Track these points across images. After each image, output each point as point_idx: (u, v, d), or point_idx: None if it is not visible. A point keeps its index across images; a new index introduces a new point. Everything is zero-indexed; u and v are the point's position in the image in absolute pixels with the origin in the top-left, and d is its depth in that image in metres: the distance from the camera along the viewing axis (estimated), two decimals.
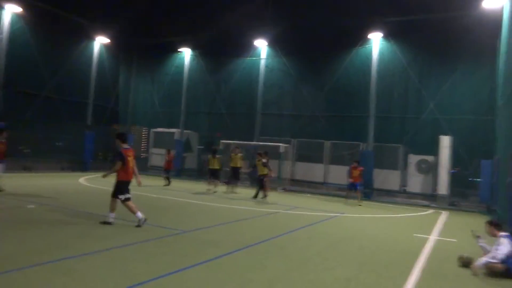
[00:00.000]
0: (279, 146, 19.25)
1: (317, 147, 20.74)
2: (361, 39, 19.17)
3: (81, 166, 22.22)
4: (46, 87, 20.79)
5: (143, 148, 25.84)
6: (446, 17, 17.01)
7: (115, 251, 6.37)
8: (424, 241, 8.91)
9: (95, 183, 16.50)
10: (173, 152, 19.08)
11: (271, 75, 21.93)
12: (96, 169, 22.75)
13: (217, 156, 16.73)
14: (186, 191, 15.90)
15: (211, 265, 6.00)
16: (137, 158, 26.22)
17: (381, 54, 18.93)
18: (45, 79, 20.61)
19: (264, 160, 14.68)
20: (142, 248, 6.65)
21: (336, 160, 20.12)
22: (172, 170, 18.69)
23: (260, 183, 14.65)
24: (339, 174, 19.38)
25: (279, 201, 14.86)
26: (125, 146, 8.60)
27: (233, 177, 16.79)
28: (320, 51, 20.34)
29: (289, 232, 9.04)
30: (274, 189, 18.87)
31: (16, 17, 19.06)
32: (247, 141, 20.81)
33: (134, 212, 8.27)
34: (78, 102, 22.83)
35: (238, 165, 16.71)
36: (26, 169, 19.73)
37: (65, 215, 9.21)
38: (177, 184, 18.85)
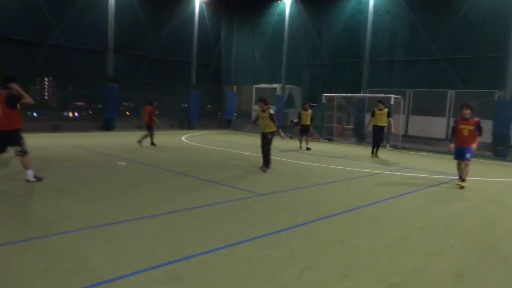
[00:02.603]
0: (389, 97, 16.77)
1: (438, 98, 17.61)
2: None
3: (188, 124, 22.99)
4: (152, 48, 21.47)
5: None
6: None
7: (172, 216, 5.71)
8: None
9: (195, 141, 16.65)
10: (154, 104, 14.35)
11: (381, 15, 18.94)
12: (201, 127, 23.39)
13: (309, 110, 15.13)
14: (279, 149, 14.94)
15: (275, 238, 4.89)
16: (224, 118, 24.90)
17: None
18: (150, 41, 21.26)
19: (271, 111, 9.76)
20: (202, 214, 5.87)
21: None
22: (153, 126, 14.07)
23: (266, 144, 9.82)
24: None
25: (386, 160, 12.92)
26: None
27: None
28: None
29: (389, 198, 7.38)
30: (382, 146, 16.74)
31: None
32: (353, 93, 18.72)
33: None
34: (183, 62, 23.26)
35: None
36: (139, 127, 21.07)
37: (151, 172, 9.05)
38: (279, 142, 18.01)
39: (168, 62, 22.22)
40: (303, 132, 15.13)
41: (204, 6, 23.70)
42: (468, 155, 8.42)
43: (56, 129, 17.97)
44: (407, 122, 18.40)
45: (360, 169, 10.82)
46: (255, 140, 18.25)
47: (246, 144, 16.11)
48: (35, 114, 19.24)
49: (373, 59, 19.32)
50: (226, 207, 6.33)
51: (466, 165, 8.58)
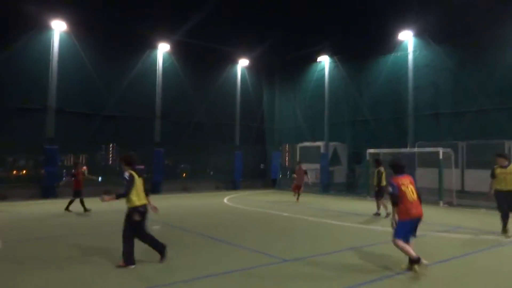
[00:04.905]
0: (438, 151, 15.82)
1: (494, 150, 16.26)
2: None
3: (233, 184, 23.13)
4: (197, 113, 22.44)
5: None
6: None
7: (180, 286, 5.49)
8: None
9: (237, 202, 16.54)
10: (80, 166, 12.73)
11: (422, 69, 18.52)
12: (246, 187, 23.38)
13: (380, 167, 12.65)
14: (328, 210, 14.34)
15: None
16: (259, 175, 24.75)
17: None
18: (195, 106, 22.31)
19: (126, 175, 6.62)
20: (218, 282, 5.59)
21: None
22: (81, 191, 12.34)
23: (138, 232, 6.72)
24: None
25: (436, 219, 11.82)
26: None
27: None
28: (486, 27, 15.92)
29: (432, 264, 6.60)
30: (435, 203, 15.49)
31: (167, 55, 21.36)
32: (398, 148, 17.94)
33: None
34: (226, 124, 23.98)
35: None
36: (185, 189, 21.51)
37: (177, 237, 8.98)
38: (321, 201, 17.41)
39: (212, 125, 22.99)
40: (379, 194, 12.48)
41: (245, 70, 24.78)
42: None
43: (106, 193, 18.82)
44: (462, 177, 17.12)
45: None
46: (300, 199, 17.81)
47: (287, 203, 15.71)
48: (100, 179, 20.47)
49: (417, 113, 18.64)
50: (242, 275, 6.00)
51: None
